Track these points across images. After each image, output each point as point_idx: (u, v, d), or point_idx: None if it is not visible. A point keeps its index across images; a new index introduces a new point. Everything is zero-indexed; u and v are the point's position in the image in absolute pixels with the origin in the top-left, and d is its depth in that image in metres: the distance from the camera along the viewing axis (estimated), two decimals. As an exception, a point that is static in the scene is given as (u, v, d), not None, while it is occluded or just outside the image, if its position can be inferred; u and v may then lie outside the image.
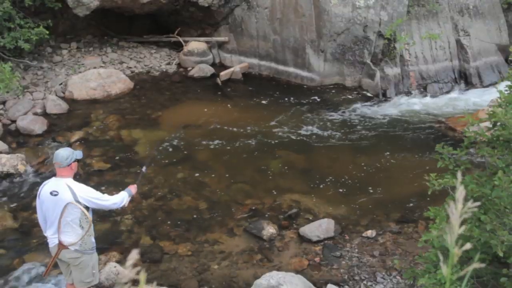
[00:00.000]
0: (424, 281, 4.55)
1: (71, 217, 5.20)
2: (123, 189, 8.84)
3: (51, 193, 5.20)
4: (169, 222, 8.25)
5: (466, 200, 1.49)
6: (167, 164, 9.95)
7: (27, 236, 7.76)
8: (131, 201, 8.50)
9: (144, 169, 6.86)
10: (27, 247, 7.55)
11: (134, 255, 1.58)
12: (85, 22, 15.02)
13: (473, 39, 14.78)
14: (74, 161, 5.34)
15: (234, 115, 12.12)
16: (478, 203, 1.51)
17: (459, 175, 1.58)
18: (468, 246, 1.47)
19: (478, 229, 4.46)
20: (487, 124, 5.21)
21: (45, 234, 5.49)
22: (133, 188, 5.90)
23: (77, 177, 5.56)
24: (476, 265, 1.43)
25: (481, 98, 13.20)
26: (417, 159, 10.39)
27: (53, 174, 5.40)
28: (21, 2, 12.48)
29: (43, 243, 6.63)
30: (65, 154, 5.26)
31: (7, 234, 7.82)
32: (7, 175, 9.17)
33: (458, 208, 1.45)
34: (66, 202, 5.12)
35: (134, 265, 1.58)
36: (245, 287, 6.76)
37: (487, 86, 14.23)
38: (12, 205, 8.52)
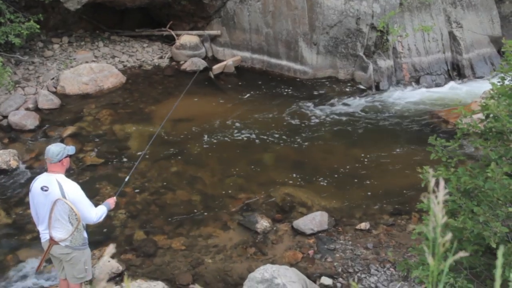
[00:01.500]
0: (418, 273, 4.56)
1: (60, 213, 5.16)
2: (115, 184, 8.87)
3: (41, 188, 5.17)
4: (162, 217, 8.24)
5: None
6: (160, 158, 9.92)
7: (20, 232, 7.73)
8: (122, 197, 8.52)
9: (126, 179, 6.43)
10: (20, 242, 7.52)
11: (111, 249, 1.57)
12: (76, 16, 14.94)
13: (465, 31, 14.80)
14: (66, 156, 5.28)
15: (227, 108, 12.10)
16: (446, 190, 1.51)
17: (430, 170, 1.58)
18: (448, 236, 1.47)
19: (471, 220, 4.47)
20: (480, 116, 5.21)
21: (38, 229, 5.47)
22: (112, 203, 5.72)
23: (70, 172, 5.52)
24: (462, 253, 1.43)
25: (473, 90, 13.23)
26: (410, 151, 10.40)
27: (45, 169, 5.36)
28: (11, -4, 12.41)
29: (36, 239, 6.60)
30: (56, 150, 5.20)
31: (0, 230, 7.79)
32: (0, 171, 9.14)
33: (440, 199, 1.45)
34: (55, 198, 5.09)
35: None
36: (239, 281, 6.75)
37: (479, 78, 14.27)
38: (4, 201, 8.48)
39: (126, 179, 6.37)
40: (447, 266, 1.46)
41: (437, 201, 1.44)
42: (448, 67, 14.51)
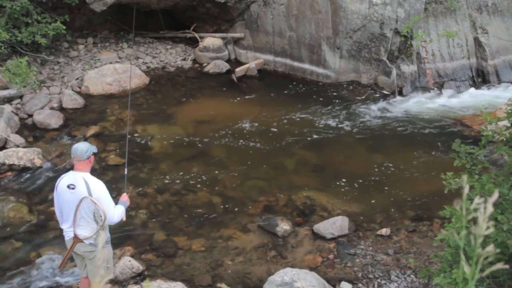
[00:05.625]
0: (439, 280, 4.52)
1: (86, 211, 5.22)
2: (137, 184, 8.94)
3: (68, 186, 5.24)
4: (183, 218, 8.28)
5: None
6: (181, 159, 9.97)
7: (43, 229, 7.83)
8: (144, 198, 8.59)
9: (126, 171, 6.32)
10: (43, 240, 7.61)
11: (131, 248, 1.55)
12: (102, 17, 15.11)
13: (491, 37, 14.64)
14: (92, 154, 5.39)
15: (249, 111, 12.11)
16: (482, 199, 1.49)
17: (464, 177, 1.58)
18: (490, 248, 1.45)
19: (495, 229, 4.42)
20: (505, 123, 5.16)
21: (61, 227, 5.53)
22: (126, 200, 5.75)
23: (93, 172, 5.57)
24: (499, 265, 1.41)
25: (498, 97, 13.07)
26: (433, 157, 10.31)
27: (69, 168, 5.43)
28: (38, -3, 12.59)
29: (59, 236, 6.68)
30: (84, 147, 5.31)
31: (24, 227, 7.89)
32: (24, 169, 9.26)
33: (488, 209, 1.43)
34: (82, 196, 5.15)
35: None
36: (258, 284, 6.75)
37: (505, 84, 14.10)
38: (28, 199, 8.59)
39: (126, 172, 6.30)
40: (475, 274, 1.45)
41: (484, 212, 1.42)
42: (472, 73, 14.37)
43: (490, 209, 1.43)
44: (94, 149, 5.47)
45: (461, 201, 1.50)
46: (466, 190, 1.43)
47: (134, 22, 12.95)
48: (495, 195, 1.42)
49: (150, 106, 12.13)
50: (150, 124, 11.23)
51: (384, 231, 7.94)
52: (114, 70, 12.95)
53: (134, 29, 14.86)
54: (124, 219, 5.61)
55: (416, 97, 13.20)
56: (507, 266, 1.43)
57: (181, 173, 9.50)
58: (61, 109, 11.61)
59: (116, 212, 5.40)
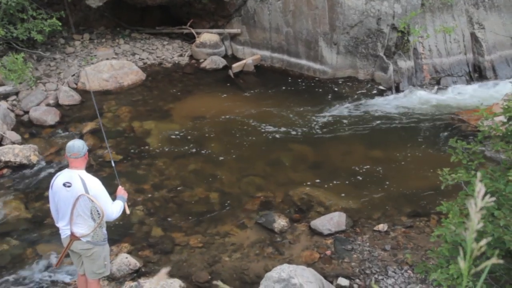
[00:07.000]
0: (436, 275, 4.52)
1: (83, 208, 5.19)
2: (134, 180, 8.93)
3: (64, 184, 5.21)
4: (180, 214, 8.26)
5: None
6: (178, 156, 9.96)
7: (40, 227, 7.81)
8: (140, 194, 8.56)
9: (113, 163, 6.25)
10: (39, 237, 7.59)
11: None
12: (98, 13, 15.06)
13: (488, 32, 14.63)
14: (86, 151, 5.37)
15: (246, 107, 12.10)
16: (493, 198, 1.48)
17: (479, 174, 1.56)
18: (483, 242, 1.44)
19: (492, 224, 4.41)
20: (502, 118, 5.14)
21: (57, 225, 5.50)
22: (123, 193, 5.73)
23: (90, 169, 5.55)
24: (493, 260, 1.40)
25: (495, 92, 13.08)
26: (430, 153, 10.32)
27: (65, 165, 5.40)
28: (34, -7, 12.54)
29: (55, 234, 6.66)
30: (80, 144, 5.28)
31: (20, 224, 7.87)
32: (20, 166, 9.24)
33: (478, 205, 1.42)
34: (78, 194, 5.12)
35: None
36: (256, 280, 6.75)
37: (501, 80, 14.10)
38: (25, 196, 8.57)
39: (113, 165, 6.23)
40: (485, 272, 1.44)
41: (476, 207, 1.41)
42: (469, 68, 14.36)
43: (479, 204, 1.42)
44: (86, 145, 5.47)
45: (460, 196, 1.50)
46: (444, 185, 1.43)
47: (130, 18, 12.91)
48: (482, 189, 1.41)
49: (147, 102, 12.11)
50: (147, 120, 11.20)
51: (381, 226, 7.95)
52: (110, 66, 12.93)
53: (130, 25, 14.82)
54: (128, 212, 5.63)
55: (413, 93, 13.20)
56: (501, 261, 1.42)
57: (178, 170, 9.49)
58: (58, 105, 11.58)
59: (114, 209, 5.38)
